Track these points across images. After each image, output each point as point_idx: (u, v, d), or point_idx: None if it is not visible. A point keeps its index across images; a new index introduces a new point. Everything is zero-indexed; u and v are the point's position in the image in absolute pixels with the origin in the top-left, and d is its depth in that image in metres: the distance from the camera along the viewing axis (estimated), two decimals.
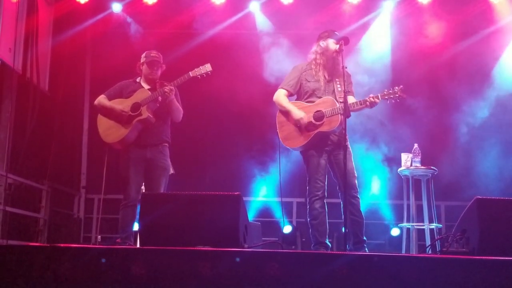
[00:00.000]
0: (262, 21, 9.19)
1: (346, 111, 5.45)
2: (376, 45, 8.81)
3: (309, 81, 5.87)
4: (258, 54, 8.94)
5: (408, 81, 8.56)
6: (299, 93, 5.96)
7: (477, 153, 8.53)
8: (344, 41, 5.75)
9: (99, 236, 8.88)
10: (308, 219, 5.83)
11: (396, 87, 5.57)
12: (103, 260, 3.60)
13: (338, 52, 5.74)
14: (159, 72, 6.20)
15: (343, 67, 5.59)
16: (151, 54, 6.17)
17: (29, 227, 8.13)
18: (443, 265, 3.55)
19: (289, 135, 5.81)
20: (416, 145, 7.19)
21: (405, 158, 7.22)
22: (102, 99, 6.18)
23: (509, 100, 8.59)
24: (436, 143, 8.46)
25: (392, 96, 5.56)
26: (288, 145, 5.85)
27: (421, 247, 7.44)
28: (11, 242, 6.88)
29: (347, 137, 5.53)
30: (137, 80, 6.26)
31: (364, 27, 8.98)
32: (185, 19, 8.89)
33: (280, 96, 5.94)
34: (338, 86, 5.77)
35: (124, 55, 8.69)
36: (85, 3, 8.76)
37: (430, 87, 8.76)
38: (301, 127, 5.73)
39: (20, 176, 7.71)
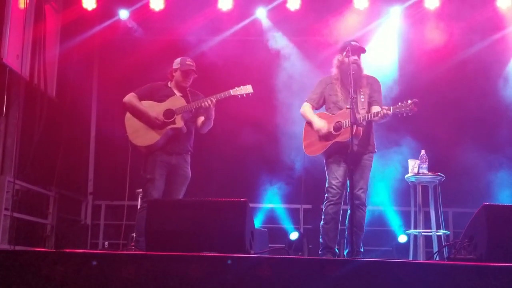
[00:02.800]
0: (268, 28, 9.18)
1: (353, 119, 5.49)
2: (383, 50, 8.80)
3: (330, 95, 6.09)
4: (266, 60, 8.95)
5: (415, 86, 8.57)
6: (326, 106, 6.20)
7: (485, 160, 8.47)
8: (353, 51, 5.86)
9: (106, 242, 8.91)
10: (321, 223, 5.91)
11: (410, 100, 5.59)
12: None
13: (354, 63, 5.87)
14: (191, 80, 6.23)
15: (350, 74, 5.63)
16: (187, 62, 6.17)
17: (36, 233, 8.15)
18: (451, 272, 3.53)
19: (310, 143, 6.09)
20: (423, 152, 7.17)
21: (412, 164, 7.21)
22: (133, 98, 6.12)
23: None
24: (444, 149, 8.42)
25: (403, 110, 5.59)
26: (308, 153, 6.15)
27: (429, 254, 7.40)
28: (18, 248, 6.89)
29: (370, 148, 5.93)
30: (169, 85, 6.23)
31: (371, 33, 8.96)
32: (192, 25, 8.90)
33: (305, 108, 6.21)
34: (362, 96, 5.91)
35: (131, 61, 8.74)
36: (93, 10, 8.78)
37: (437, 93, 8.73)
38: (321, 137, 5.95)
39: (27, 182, 7.73)
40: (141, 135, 6.02)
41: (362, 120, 5.75)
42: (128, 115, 6.13)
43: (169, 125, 5.97)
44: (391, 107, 5.66)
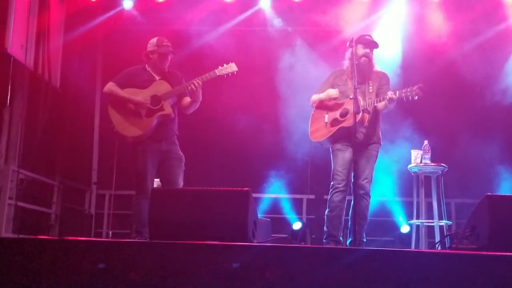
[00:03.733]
0: (272, 18, 9.17)
1: (356, 107, 5.53)
2: (386, 41, 8.78)
3: (339, 85, 6.13)
4: (269, 51, 8.96)
5: (418, 77, 8.54)
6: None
7: (488, 150, 8.47)
8: (371, 46, 6.01)
9: (110, 232, 8.96)
10: (325, 212, 5.94)
11: (416, 85, 5.63)
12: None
13: (366, 56, 5.98)
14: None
15: (354, 63, 5.65)
16: (164, 44, 6.04)
17: (40, 223, 8.18)
18: (452, 260, 3.55)
19: (316, 130, 6.16)
20: (426, 142, 7.19)
21: (415, 154, 7.22)
22: (113, 87, 6.00)
23: None
24: (447, 139, 8.42)
25: (409, 94, 5.62)
26: (314, 139, 6.19)
27: (431, 244, 7.43)
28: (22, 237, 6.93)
29: (375, 138, 6.00)
30: (147, 68, 6.11)
31: (374, 24, 8.95)
32: (195, 15, 8.90)
33: (313, 97, 6.26)
34: (370, 87, 5.99)
35: (135, 52, 8.68)
36: (97, 0, 8.80)
37: (441, 84, 8.71)
38: (329, 120, 6.03)
39: (32, 172, 7.75)
40: (128, 125, 5.90)
41: (369, 105, 5.79)
42: (110, 106, 6.01)
43: (157, 112, 5.88)
44: (397, 91, 5.70)
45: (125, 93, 5.97)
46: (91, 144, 9.70)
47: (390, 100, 5.71)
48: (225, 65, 6.01)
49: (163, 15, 9.12)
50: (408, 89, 5.65)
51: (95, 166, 9.69)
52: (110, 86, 6.03)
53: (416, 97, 5.63)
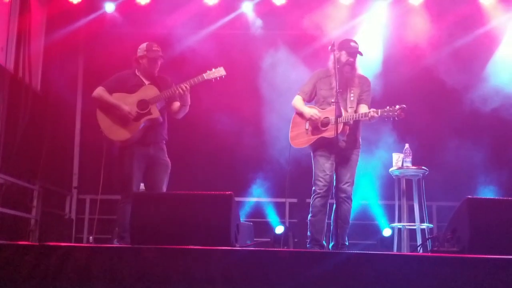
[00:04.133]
0: (254, 22, 9.19)
1: (338, 110, 5.55)
2: (368, 45, 8.82)
3: (322, 89, 6.16)
4: (251, 54, 8.96)
5: (399, 81, 8.62)
6: (316, 100, 6.25)
7: (470, 154, 8.54)
8: (354, 55, 6.01)
9: (91, 237, 8.88)
10: (308, 216, 5.96)
11: (398, 106, 5.66)
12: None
13: (349, 64, 6.00)
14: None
15: (335, 68, 5.66)
16: (153, 48, 6.05)
17: (20, 228, 8.10)
18: (434, 263, 3.57)
19: (297, 136, 6.18)
20: (407, 145, 7.23)
21: (396, 158, 7.26)
22: (102, 92, 5.99)
23: (501, 101, 8.61)
24: (428, 143, 8.48)
25: (391, 114, 5.67)
26: (294, 144, 6.21)
27: (413, 247, 7.46)
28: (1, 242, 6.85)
29: (356, 144, 6.05)
30: (136, 73, 6.12)
31: (356, 28, 9.00)
32: (178, 19, 8.88)
33: (297, 101, 6.27)
34: (352, 95, 6.02)
35: (117, 55, 8.66)
36: (78, 3, 8.74)
37: (421, 87, 8.79)
38: (309, 130, 6.07)
39: (11, 176, 7.68)
40: (116, 129, 5.90)
41: (350, 119, 5.83)
42: (99, 111, 6.00)
43: (145, 116, 5.88)
44: (379, 110, 5.74)
45: (113, 98, 5.97)
46: (72, 148, 9.63)
47: (371, 118, 5.78)
48: (213, 69, 6.01)
49: (145, 18, 9.10)
50: (391, 109, 5.70)
51: (75, 171, 9.62)
52: (99, 91, 6.02)
53: (397, 118, 5.69)
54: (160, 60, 6.10)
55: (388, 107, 5.72)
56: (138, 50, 6.13)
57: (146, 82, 6.06)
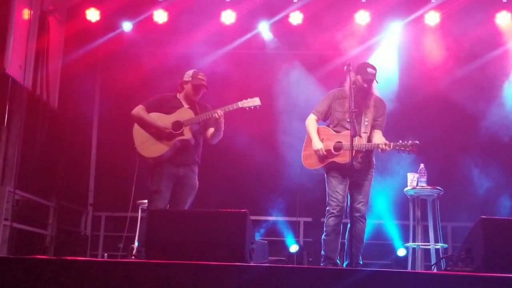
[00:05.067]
0: (271, 41, 9.25)
1: (353, 130, 5.57)
2: (384, 66, 8.85)
3: (337, 111, 6.17)
4: (268, 73, 9.02)
5: (414, 101, 8.63)
6: (330, 120, 6.27)
7: (485, 174, 8.51)
8: (368, 82, 6.03)
9: (106, 254, 8.92)
10: (322, 236, 5.96)
11: (411, 141, 5.67)
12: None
13: (364, 90, 6.03)
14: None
15: (351, 88, 5.69)
16: (199, 76, 6.18)
17: (36, 244, 8.15)
18: (449, 282, 3.55)
19: (309, 156, 6.18)
20: (422, 165, 7.21)
21: (411, 178, 7.24)
22: (141, 111, 6.13)
23: None
24: (444, 163, 8.45)
25: (403, 149, 5.69)
26: (306, 165, 6.23)
27: (427, 268, 7.41)
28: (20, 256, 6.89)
29: (370, 164, 6.07)
30: (178, 96, 6.25)
31: (372, 48, 9.04)
32: (195, 39, 8.97)
33: (310, 121, 6.28)
34: (366, 120, 6.04)
35: (134, 74, 8.80)
36: (96, 22, 8.86)
37: (437, 108, 8.79)
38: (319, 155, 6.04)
39: (28, 193, 7.75)
40: (148, 147, 6.03)
41: (362, 148, 5.85)
42: (136, 126, 6.15)
43: (177, 137, 6.00)
44: (392, 144, 5.78)
45: (150, 117, 6.11)
46: (88, 165, 9.70)
47: (383, 150, 5.82)
48: (249, 99, 6.13)
49: (162, 38, 9.20)
50: (403, 144, 5.73)
51: (91, 187, 9.69)
52: (139, 109, 6.17)
53: (409, 153, 5.71)
54: (203, 89, 6.22)
55: (400, 141, 5.74)
56: (185, 75, 6.26)
57: (185, 106, 6.18)
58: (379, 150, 5.83)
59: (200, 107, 6.22)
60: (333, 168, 6.02)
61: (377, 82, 6.10)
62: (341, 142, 5.96)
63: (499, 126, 8.62)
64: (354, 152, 5.62)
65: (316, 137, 6.12)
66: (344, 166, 5.78)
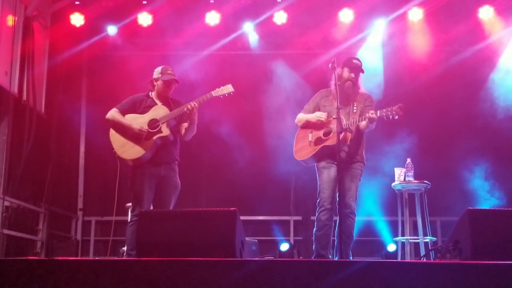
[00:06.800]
0: (255, 42, 9.28)
1: (339, 127, 5.61)
2: (369, 63, 8.91)
3: (325, 106, 6.23)
4: (253, 73, 9.05)
5: (399, 97, 8.66)
6: None
7: (472, 167, 8.58)
8: (356, 71, 6.10)
9: (96, 258, 8.90)
10: (313, 231, 5.98)
11: (396, 105, 5.72)
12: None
13: (351, 80, 6.07)
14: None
15: (336, 84, 5.74)
16: (168, 72, 6.13)
17: (27, 250, 8.13)
18: (439, 270, 3.59)
19: (301, 149, 6.23)
20: (409, 160, 7.27)
21: (398, 172, 7.30)
22: (115, 113, 6.06)
23: (505, 113, 8.66)
24: (430, 157, 8.51)
25: (389, 113, 5.70)
26: (298, 157, 6.25)
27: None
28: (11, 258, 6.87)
29: (358, 157, 6.05)
30: (150, 95, 6.20)
31: (357, 46, 9.09)
32: (180, 40, 8.99)
33: (300, 115, 6.34)
34: (354, 108, 6.08)
35: (119, 77, 8.78)
36: (81, 26, 8.86)
37: (422, 103, 8.85)
38: (312, 140, 6.11)
39: (17, 199, 7.73)
40: (128, 149, 5.96)
41: (351, 124, 5.87)
42: (112, 131, 6.07)
43: (155, 135, 5.95)
44: (378, 111, 5.77)
45: (125, 119, 6.05)
46: (76, 170, 9.68)
47: (371, 119, 5.81)
48: (221, 87, 6.09)
49: (147, 40, 9.21)
50: (389, 109, 5.73)
51: (80, 193, 9.67)
52: (113, 113, 6.10)
53: (397, 117, 5.72)
54: (174, 83, 6.17)
55: (386, 108, 5.76)
56: (154, 73, 6.21)
57: (159, 103, 6.15)
58: (368, 120, 5.80)
59: (174, 103, 6.15)
60: (323, 157, 6.03)
61: (363, 72, 6.14)
62: (329, 127, 5.99)
63: (484, 118, 8.70)
64: (344, 133, 5.73)
65: (310, 114, 6.20)
66: (334, 151, 5.76)
